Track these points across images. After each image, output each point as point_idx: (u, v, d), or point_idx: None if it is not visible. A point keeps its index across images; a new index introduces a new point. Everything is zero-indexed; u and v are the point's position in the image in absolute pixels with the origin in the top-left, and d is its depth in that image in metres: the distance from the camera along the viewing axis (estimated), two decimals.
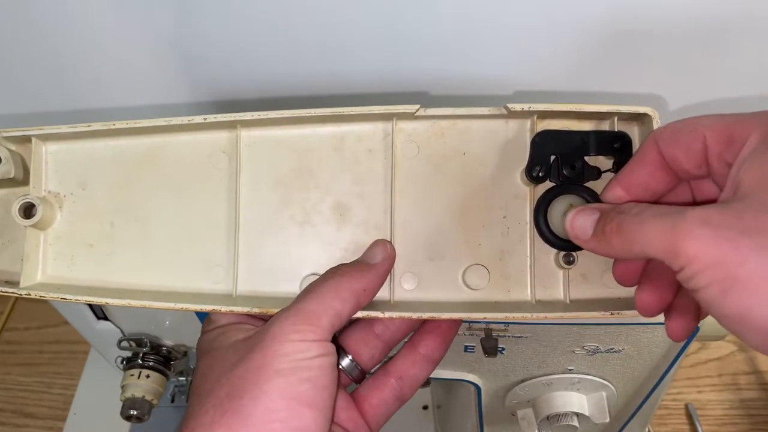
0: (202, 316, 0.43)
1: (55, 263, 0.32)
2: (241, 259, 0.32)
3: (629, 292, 0.32)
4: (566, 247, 0.31)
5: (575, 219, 0.28)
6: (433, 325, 0.34)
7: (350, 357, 0.33)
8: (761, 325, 0.20)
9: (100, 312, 0.53)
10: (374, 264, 0.31)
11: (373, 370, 0.34)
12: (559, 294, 0.32)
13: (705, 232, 0.21)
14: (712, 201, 0.28)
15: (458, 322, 0.34)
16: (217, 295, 0.32)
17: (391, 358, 0.34)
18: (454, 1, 0.44)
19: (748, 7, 0.45)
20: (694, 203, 0.28)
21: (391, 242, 0.32)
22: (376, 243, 0.32)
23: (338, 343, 0.33)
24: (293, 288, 0.32)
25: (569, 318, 0.31)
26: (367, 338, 0.33)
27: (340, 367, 0.33)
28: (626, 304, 0.31)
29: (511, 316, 0.30)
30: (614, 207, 0.26)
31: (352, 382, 0.33)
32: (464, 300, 0.32)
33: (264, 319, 0.33)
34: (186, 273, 0.33)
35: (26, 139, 0.33)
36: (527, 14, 0.45)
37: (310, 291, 0.30)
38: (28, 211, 0.31)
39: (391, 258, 0.32)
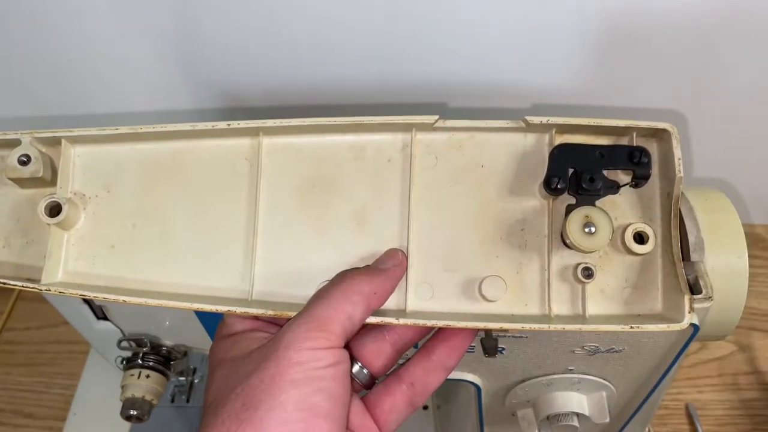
0: (206, 319, 0.43)
1: (76, 263, 0.33)
2: (258, 264, 0.33)
3: (649, 308, 0.32)
4: None
5: None
6: (447, 334, 0.33)
7: (360, 364, 0.33)
8: None
9: (99, 312, 0.53)
10: (384, 269, 0.31)
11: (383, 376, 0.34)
12: (577, 309, 0.32)
13: None
14: None
15: (474, 331, 0.34)
16: (232, 299, 0.33)
17: (403, 363, 0.34)
18: (473, 14, 0.44)
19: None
20: None
21: (403, 251, 0.32)
22: (387, 251, 0.32)
23: (349, 351, 0.33)
24: (309, 294, 0.32)
25: (587, 330, 0.31)
26: (380, 347, 0.33)
27: (352, 372, 0.33)
28: (647, 319, 0.31)
29: (528, 326, 0.30)
30: None
31: (362, 388, 0.33)
32: (480, 312, 0.32)
33: (279, 325, 0.32)
34: (203, 275, 0.33)
35: (56, 141, 0.33)
36: (546, 27, 0.45)
37: (320, 296, 0.30)
38: (53, 210, 0.32)
39: (402, 265, 0.32)
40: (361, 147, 0.34)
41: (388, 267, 0.31)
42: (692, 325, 0.36)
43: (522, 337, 0.39)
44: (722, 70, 0.53)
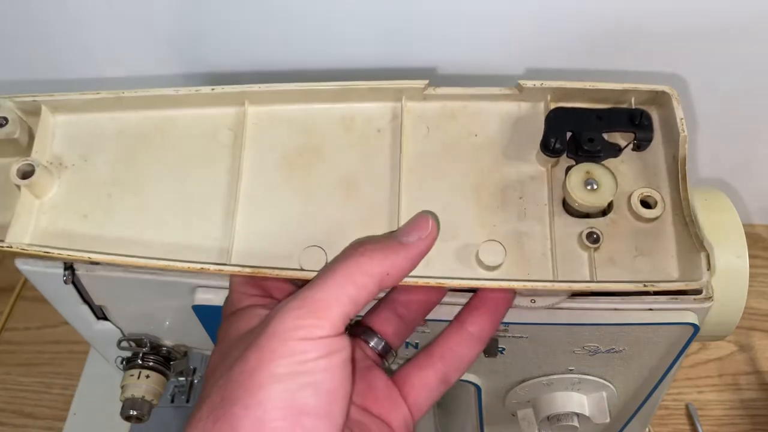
0: (206, 319, 0.43)
1: (45, 229, 0.32)
2: (238, 231, 0.31)
3: (664, 276, 0.30)
4: None
5: None
6: (480, 301, 0.31)
7: (378, 335, 0.31)
8: None
9: (99, 312, 0.53)
10: (406, 243, 0.27)
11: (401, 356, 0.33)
12: (585, 276, 0.30)
13: None
14: None
15: (509, 298, 0.32)
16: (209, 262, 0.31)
17: (435, 338, 0.32)
18: None
19: None
20: None
21: (435, 217, 0.29)
22: (416, 217, 0.29)
23: (365, 323, 0.32)
24: (292, 263, 0.30)
25: (596, 288, 0.29)
26: (389, 317, 0.32)
27: (370, 345, 0.31)
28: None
29: (530, 285, 0.29)
30: None
31: (381, 360, 0.32)
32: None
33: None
34: (180, 245, 0.31)
35: (36, 110, 0.33)
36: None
37: (322, 274, 0.26)
38: (27, 175, 0.31)
39: (430, 237, 0.28)
40: (351, 117, 0.33)
41: (412, 240, 0.27)
42: (692, 325, 0.36)
43: (522, 337, 0.39)
44: (721, 71, 0.53)
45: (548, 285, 0.29)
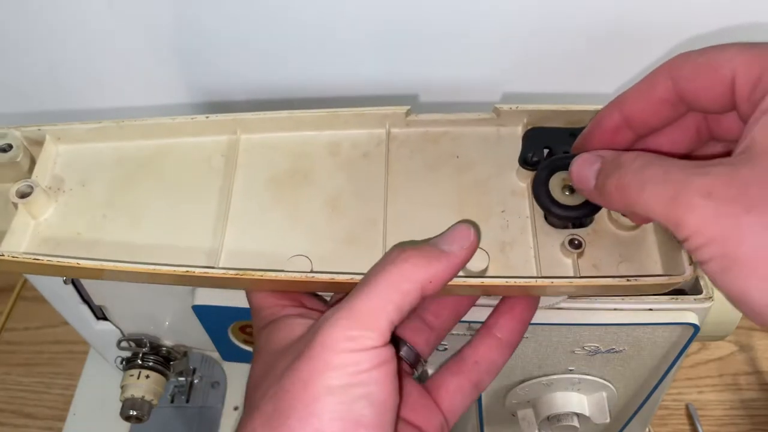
0: (206, 319, 0.43)
1: (40, 244, 0.33)
2: (227, 245, 0.32)
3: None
4: (573, 216, 0.30)
5: (577, 167, 0.26)
6: (507, 306, 0.32)
7: (408, 344, 0.31)
8: (758, 307, 0.19)
9: (99, 312, 0.53)
10: (447, 252, 0.27)
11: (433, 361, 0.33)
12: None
13: (707, 205, 0.20)
14: (727, 137, 0.26)
15: (533, 304, 0.32)
16: (198, 277, 0.31)
17: (466, 343, 0.33)
18: (441, 7, 0.44)
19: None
20: (698, 136, 0.27)
21: (476, 227, 0.29)
22: (457, 226, 0.28)
23: (394, 332, 0.32)
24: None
25: (579, 285, 0.30)
26: (419, 327, 0.32)
27: (400, 354, 0.31)
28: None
29: (512, 281, 0.29)
30: (614, 158, 0.24)
31: (412, 370, 0.32)
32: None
33: (318, 309, 0.31)
34: (170, 257, 0.32)
35: (41, 141, 0.34)
36: (516, 18, 0.45)
37: (366, 283, 0.26)
38: (25, 195, 0.33)
39: (471, 248, 0.28)
40: (337, 143, 0.35)
41: (453, 250, 0.27)
42: (692, 325, 0.36)
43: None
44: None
45: (531, 281, 0.29)
